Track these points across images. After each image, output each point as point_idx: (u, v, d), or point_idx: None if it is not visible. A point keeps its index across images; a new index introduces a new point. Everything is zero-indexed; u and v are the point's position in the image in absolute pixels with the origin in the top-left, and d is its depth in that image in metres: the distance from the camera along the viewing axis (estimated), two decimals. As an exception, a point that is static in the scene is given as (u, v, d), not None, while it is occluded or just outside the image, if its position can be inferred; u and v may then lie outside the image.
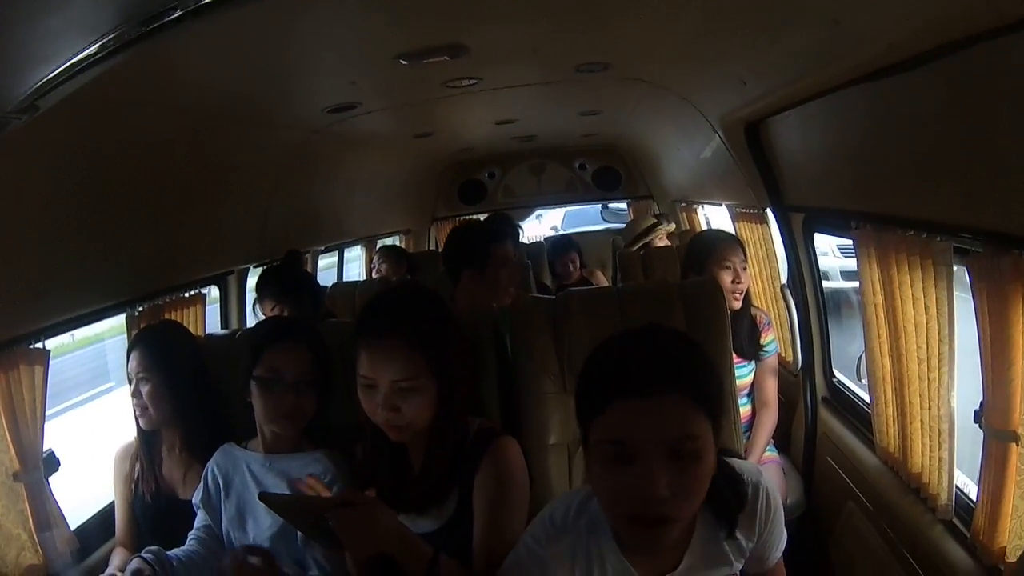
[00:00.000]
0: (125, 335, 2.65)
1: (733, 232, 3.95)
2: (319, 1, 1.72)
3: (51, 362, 2.18)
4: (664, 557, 1.34)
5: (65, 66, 1.34)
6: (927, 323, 2.00)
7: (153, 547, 1.88)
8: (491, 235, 2.87)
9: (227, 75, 2.25)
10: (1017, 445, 1.63)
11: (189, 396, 2.18)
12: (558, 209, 13.01)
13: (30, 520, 2.10)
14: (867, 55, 1.69)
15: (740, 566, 1.40)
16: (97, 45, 1.32)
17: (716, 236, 3.20)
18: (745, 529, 1.36)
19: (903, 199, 2.03)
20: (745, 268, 2.91)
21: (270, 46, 2.09)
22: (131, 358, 2.19)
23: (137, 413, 2.19)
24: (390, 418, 1.63)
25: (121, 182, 2.36)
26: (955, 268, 1.90)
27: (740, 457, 1.62)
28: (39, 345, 2.17)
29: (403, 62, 2.44)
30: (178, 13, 1.35)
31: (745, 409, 2.96)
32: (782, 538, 1.45)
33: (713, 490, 1.23)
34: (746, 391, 2.99)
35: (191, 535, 1.96)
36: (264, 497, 1.60)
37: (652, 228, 5.15)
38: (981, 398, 1.75)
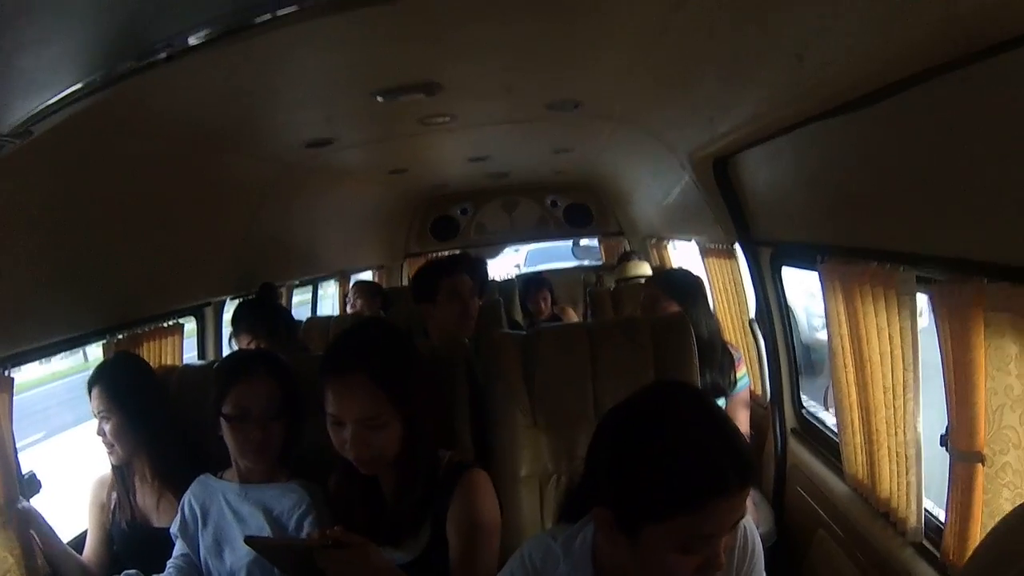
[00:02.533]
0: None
1: (697, 267, 4.00)
2: (297, 38, 1.75)
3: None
4: None
5: (61, 95, 1.38)
6: (891, 352, 2.04)
7: (131, 571, 1.89)
8: (442, 270, 2.87)
9: (207, 109, 2.29)
10: (983, 465, 1.67)
11: (153, 428, 2.20)
12: (524, 246, 13.09)
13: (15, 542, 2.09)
14: (830, 91, 1.75)
15: None
16: (91, 77, 1.36)
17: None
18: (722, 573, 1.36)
19: (868, 231, 2.09)
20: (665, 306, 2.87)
21: (249, 82, 2.12)
22: (92, 396, 2.20)
23: (107, 450, 2.20)
24: (358, 453, 1.67)
25: (101, 211, 2.37)
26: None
27: None
28: (5, 373, 2.17)
29: (379, 99, 2.48)
30: (165, 54, 1.40)
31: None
32: None
33: None
34: None
35: (170, 563, 1.97)
36: (250, 540, 1.61)
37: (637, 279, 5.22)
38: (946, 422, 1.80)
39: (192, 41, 1.37)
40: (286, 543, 1.73)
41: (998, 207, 1.45)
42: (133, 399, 2.19)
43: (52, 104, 1.40)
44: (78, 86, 1.38)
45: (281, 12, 1.36)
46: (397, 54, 2.12)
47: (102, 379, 2.22)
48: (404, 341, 1.82)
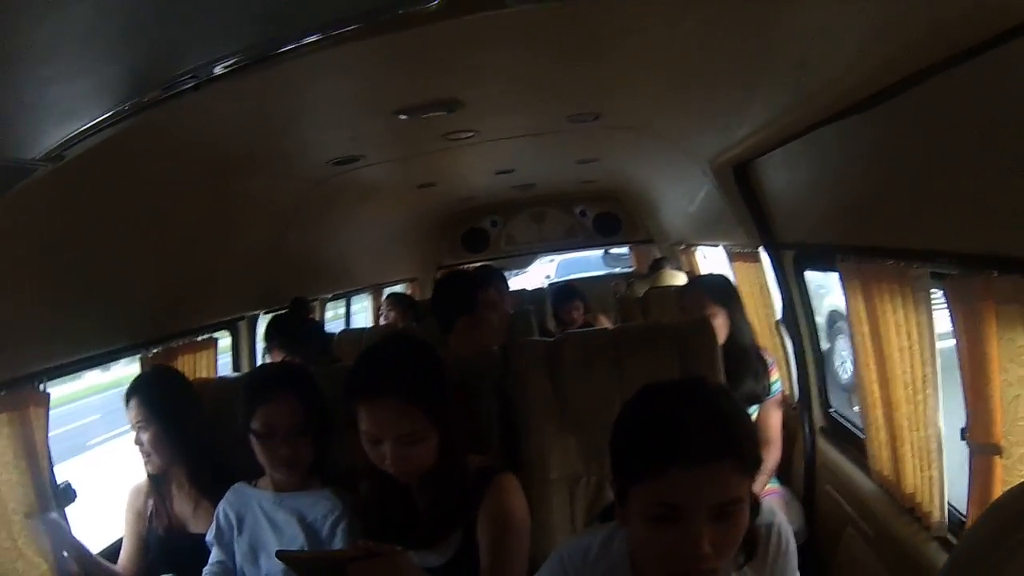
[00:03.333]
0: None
1: (726, 272, 4.02)
2: (319, 63, 1.80)
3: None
4: None
5: (93, 122, 1.45)
6: (910, 348, 2.06)
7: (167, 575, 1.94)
8: (478, 282, 2.92)
9: (233, 132, 2.36)
10: (1000, 457, 1.67)
11: (188, 438, 2.25)
12: (554, 257, 13.08)
13: (49, 550, 2.16)
14: (834, 94, 1.78)
15: None
16: (121, 106, 1.43)
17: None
18: (755, 570, 1.37)
19: (883, 230, 2.10)
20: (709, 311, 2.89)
21: (273, 106, 2.19)
22: (129, 408, 2.25)
23: (144, 459, 2.26)
24: (398, 468, 1.70)
25: (132, 230, 2.44)
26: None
27: None
28: (40, 387, 2.23)
29: (402, 117, 2.53)
30: (192, 83, 1.46)
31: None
32: None
33: None
34: None
35: (205, 570, 2.01)
36: (282, 555, 1.62)
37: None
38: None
39: (218, 70, 1.43)
40: (317, 556, 1.75)
41: (1006, 201, 1.46)
42: (170, 410, 2.24)
43: (83, 131, 1.47)
44: (108, 114, 1.45)
45: (305, 41, 1.41)
46: (416, 74, 2.17)
47: (139, 391, 2.27)
48: (432, 354, 1.83)
